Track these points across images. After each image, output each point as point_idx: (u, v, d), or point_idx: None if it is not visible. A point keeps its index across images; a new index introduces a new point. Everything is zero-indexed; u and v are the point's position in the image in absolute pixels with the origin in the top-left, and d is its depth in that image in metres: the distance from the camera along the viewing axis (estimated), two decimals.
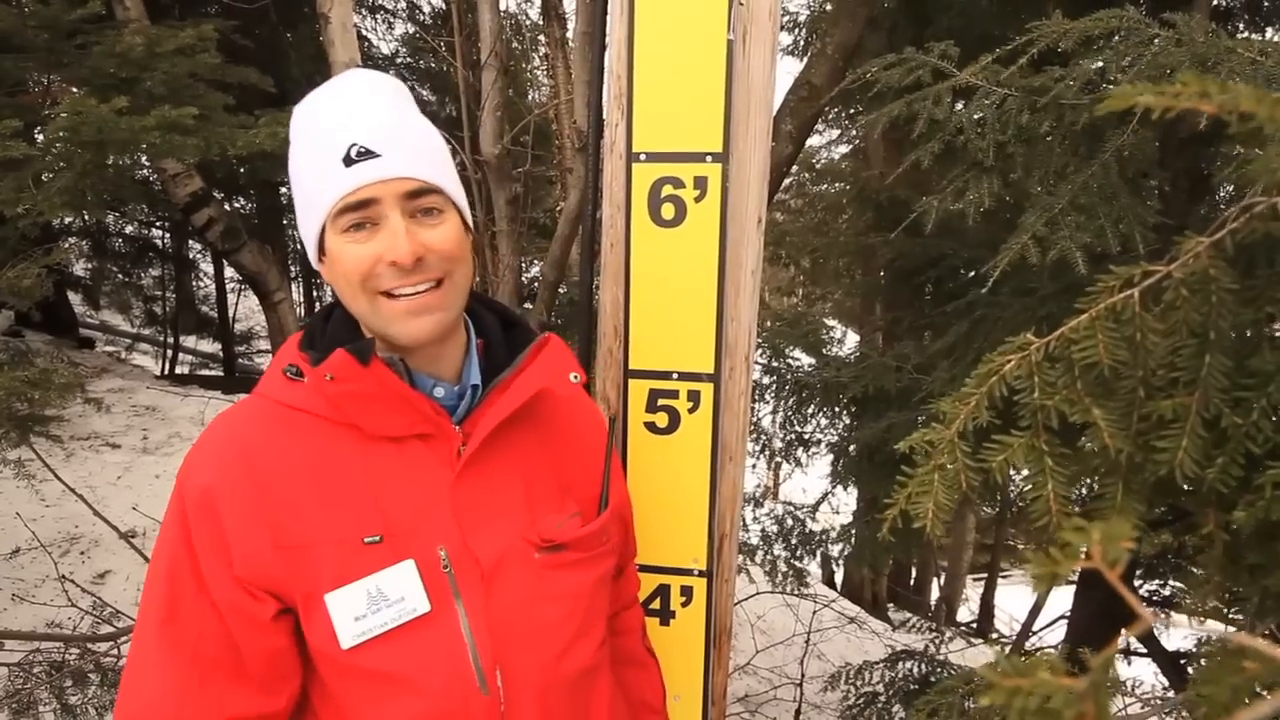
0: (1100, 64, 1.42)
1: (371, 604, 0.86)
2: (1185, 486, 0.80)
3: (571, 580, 0.96)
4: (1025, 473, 0.85)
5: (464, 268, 0.91)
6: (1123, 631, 2.87)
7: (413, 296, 0.86)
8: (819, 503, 3.57)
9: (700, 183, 1.33)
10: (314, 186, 0.87)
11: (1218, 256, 0.72)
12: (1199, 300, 0.74)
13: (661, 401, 1.39)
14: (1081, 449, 0.80)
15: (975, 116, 1.54)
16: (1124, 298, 0.75)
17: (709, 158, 1.32)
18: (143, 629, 0.87)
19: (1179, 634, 2.99)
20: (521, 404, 0.93)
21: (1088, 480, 0.87)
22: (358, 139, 0.84)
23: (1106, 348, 0.74)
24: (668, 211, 1.35)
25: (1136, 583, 2.89)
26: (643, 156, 1.35)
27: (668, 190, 1.34)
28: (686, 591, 1.43)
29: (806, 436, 3.35)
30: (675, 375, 1.38)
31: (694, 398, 1.38)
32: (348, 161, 0.84)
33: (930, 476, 0.84)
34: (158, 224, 8.31)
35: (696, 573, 1.42)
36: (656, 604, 1.43)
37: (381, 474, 0.89)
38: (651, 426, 1.40)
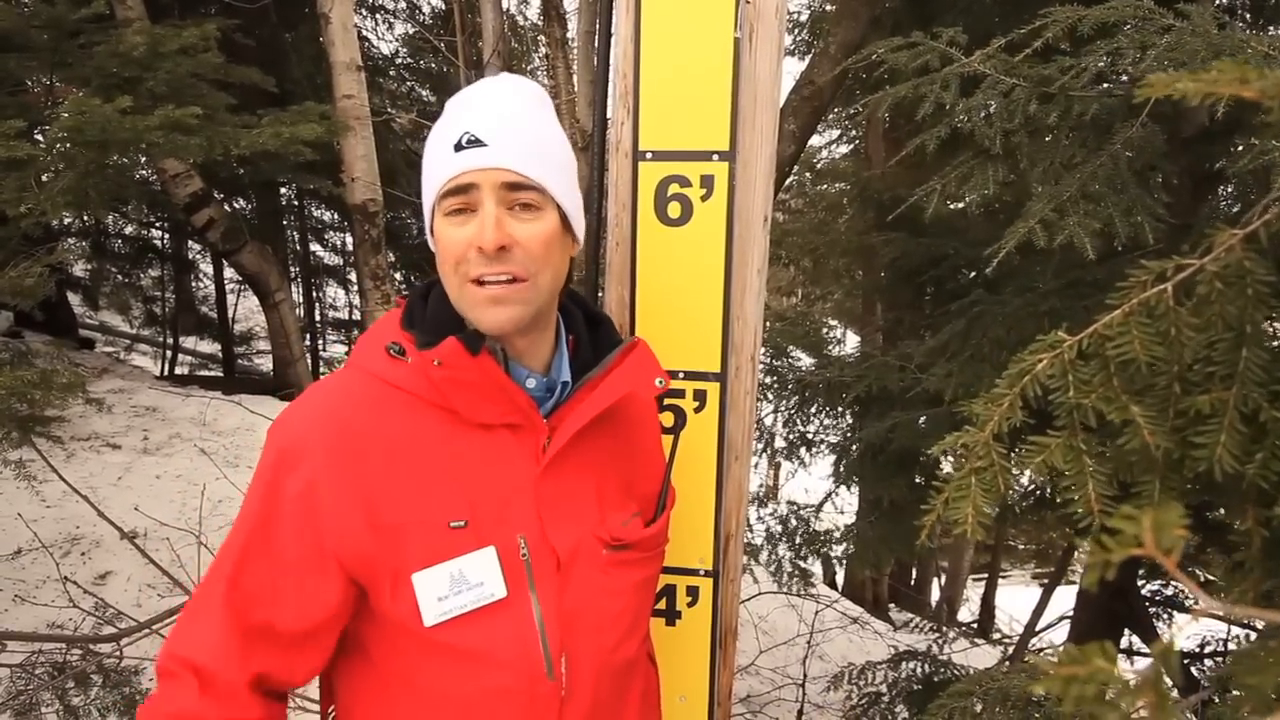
0: (1109, 55, 1.40)
1: (453, 586, 0.90)
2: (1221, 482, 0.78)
3: (631, 577, 1.02)
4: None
5: (550, 270, 0.93)
6: (1126, 631, 2.87)
7: (494, 285, 0.89)
8: (823, 502, 3.56)
9: (707, 181, 1.32)
10: (430, 168, 0.93)
11: (1251, 249, 0.71)
12: (1234, 293, 0.73)
13: (668, 401, 1.38)
14: (1119, 447, 0.79)
15: (981, 113, 1.53)
16: (1157, 292, 0.74)
17: (715, 156, 1.32)
18: (213, 580, 0.92)
19: (1181, 634, 2.99)
20: (608, 406, 0.96)
21: (1120, 479, 0.85)
22: (471, 128, 0.88)
23: (1142, 343, 0.73)
24: (674, 210, 1.34)
25: (1140, 583, 2.88)
26: (649, 155, 1.34)
27: (674, 189, 1.34)
28: (692, 592, 1.43)
29: (809, 436, 3.35)
30: (681, 374, 1.37)
31: (700, 397, 1.37)
32: (457, 147, 0.88)
33: (967, 480, 0.83)
34: (157, 224, 8.30)
35: (702, 573, 1.41)
36: (662, 604, 1.43)
37: (470, 459, 0.93)
38: None
